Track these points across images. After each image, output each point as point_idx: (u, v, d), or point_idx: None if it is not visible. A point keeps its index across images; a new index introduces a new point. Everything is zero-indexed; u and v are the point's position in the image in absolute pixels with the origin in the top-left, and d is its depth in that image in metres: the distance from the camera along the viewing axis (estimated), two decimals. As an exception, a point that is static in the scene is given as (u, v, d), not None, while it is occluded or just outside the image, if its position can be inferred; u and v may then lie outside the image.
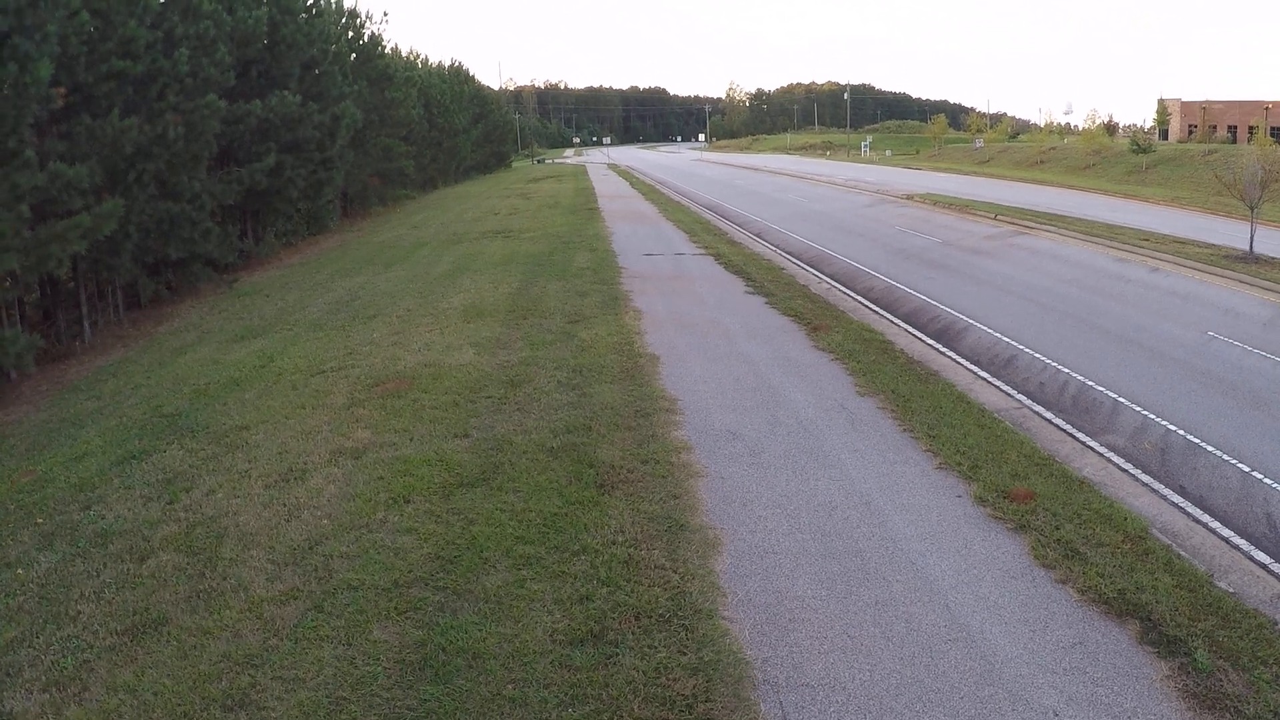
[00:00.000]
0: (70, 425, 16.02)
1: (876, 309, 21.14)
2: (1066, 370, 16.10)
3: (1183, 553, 9.26)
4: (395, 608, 7.92)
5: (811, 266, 27.20)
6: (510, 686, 6.85)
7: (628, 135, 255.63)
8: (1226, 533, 10.10)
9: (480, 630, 7.54)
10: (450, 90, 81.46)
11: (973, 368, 16.30)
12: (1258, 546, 9.80)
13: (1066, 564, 8.75)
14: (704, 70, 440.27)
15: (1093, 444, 12.66)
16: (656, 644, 7.32)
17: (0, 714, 7.04)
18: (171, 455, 12.40)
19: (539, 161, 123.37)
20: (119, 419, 15.21)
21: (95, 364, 22.55)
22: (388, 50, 58.28)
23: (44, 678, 7.38)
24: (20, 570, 9.45)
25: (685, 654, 7.21)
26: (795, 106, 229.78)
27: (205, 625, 7.87)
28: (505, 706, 6.64)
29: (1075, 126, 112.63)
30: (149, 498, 10.93)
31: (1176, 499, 10.96)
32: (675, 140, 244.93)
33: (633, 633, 7.47)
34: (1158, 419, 13.75)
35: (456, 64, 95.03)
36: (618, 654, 7.20)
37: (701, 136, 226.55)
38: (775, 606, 8.01)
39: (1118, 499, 10.51)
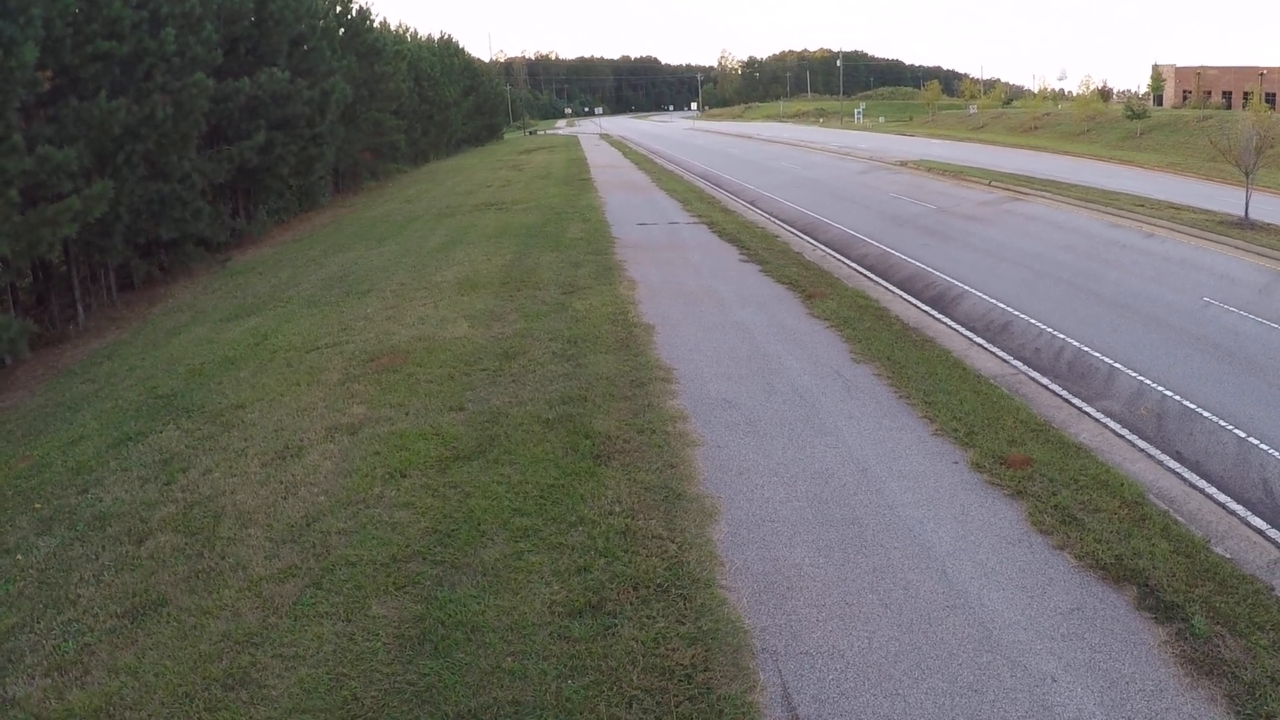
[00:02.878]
0: (66, 409, 15.99)
1: (871, 276, 21.11)
2: (1062, 336, 16.09)
3: (1179, 518, 9.28)
4: (393, 583, 7.93)
5: (806, 234, 27.13)
6: (509, 659, 6.87)
7: (619, 105, 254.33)
8: (1223, 498, 10.11)
9: (479, 603, 7.55)
10: (440, 63, 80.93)
11: (968, 334, 16.28)
12: (1254, 512, 9.81)
13: (1064, 530, 8.77)
14: (696, 38, 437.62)
15: (1089, 410, 12.67)
16: (655, 614, 7.34)
17: (3, 699, 7.05)
18: (167, 436, 12.39)
19: (531, 133, 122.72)
20: (114, 401, 15.19)
21: (90, 347, 22.50)
22: (376, 24, 57.78)
23: (45, 662, 7.40)
24: (20, 556, 9.46)
25: (684, 623, 7.23)
26: (788, 74, 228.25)
27: (205, 605, 7.88)
28: (505, 679, 6.66)
29: (1069, 92, 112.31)
30: (146, 479, 10.93)
31: (1173, 464, 10.97)
32: (667, 109, 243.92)
33: (631, 603, 7.49)
34: (1154, 384, 13.75)
35: (446, 36, 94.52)
36: (616, 625, 7.22)
37: (694, 105, 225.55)
38: (773, 575, 8.02)
39: (1114, 464, 10.53)
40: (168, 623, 7.69)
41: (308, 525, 9.12)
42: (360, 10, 53.73)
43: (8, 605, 8.50)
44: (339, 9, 51.11)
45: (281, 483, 10.19)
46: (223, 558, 8.68)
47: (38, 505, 10.84)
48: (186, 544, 9.07)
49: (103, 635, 7.65)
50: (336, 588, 7.93)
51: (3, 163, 18.95)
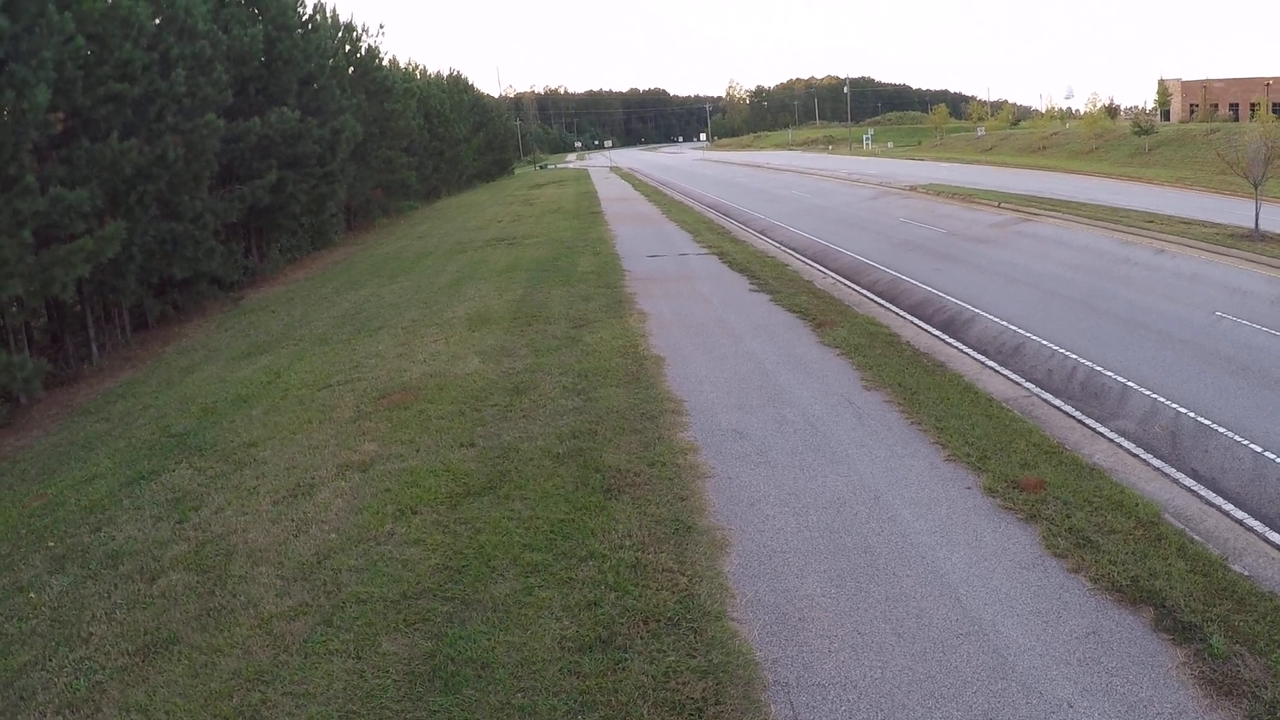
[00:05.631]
0: (80, 448, 16.06)
1: (882, 302, 21.08)
2: (1074, 356, 16.02)
3: (1196, 537, 9.18)
4: (404, 619, 7.91)
5: (816, 262, 27.14)
6: (520, 695, 6.82)
7: (629, 138, 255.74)
8: (1240, 515, 10.00)
9: (489, 639, 7.52)
10: (450, 99, 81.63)
11: (980, 357, 16.22)
12: (1271, 527, 9.70)
13: (1078, 553, 8.69)
14: (703, 70, 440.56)
15: (1102, 430, 12.58)
16: (665, 648, 7.29)
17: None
18: (180, 474, 12.43)
19: (541, 167, 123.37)
20: (128, 440, 15.25)
21: (104, 386, 22.61)
22: (385, 62, 58.36)
23: (57, 700, 7.40)
24: (33, 594, 9.48)
25: (694, 657, 7.18)
26: (796, 102, 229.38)
27: (216, 643, 7.87)
28: (515, 715, 6.62)
29: (1076, 111, 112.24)
30: (158, 517, 10.96)
31: (1189, 482, 10.87)
32: (677, 141, 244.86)
33: (641, 637, 7.44)
34: (1168, 402, 13.66)
35: (455, 73, 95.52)
36: (626, 659, 7.17)
37: (703, 136, 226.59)
38: (784, 606, 7.97)
39: (1129, 485, 10.43)
40: (179, 661, 7.68)
41: (319, 563, 9.11)
42: (369, 49, 54.24)
43: (20, 642, 8.50)
44: (348, 48, 51.59)
45: (293, 520, 10.20)
46: (234, 595, 8.68)
47: (51, 543, 10.87)
48: (198, 582, 9.08)
49: (114, 673, 7.65)
50: (347, 625, 7.91)
51: (16, 204, 19.12)
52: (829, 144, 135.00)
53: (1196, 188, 47.18)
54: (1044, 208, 36.80)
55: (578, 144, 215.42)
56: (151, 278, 28.02)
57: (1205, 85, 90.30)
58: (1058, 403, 13.76)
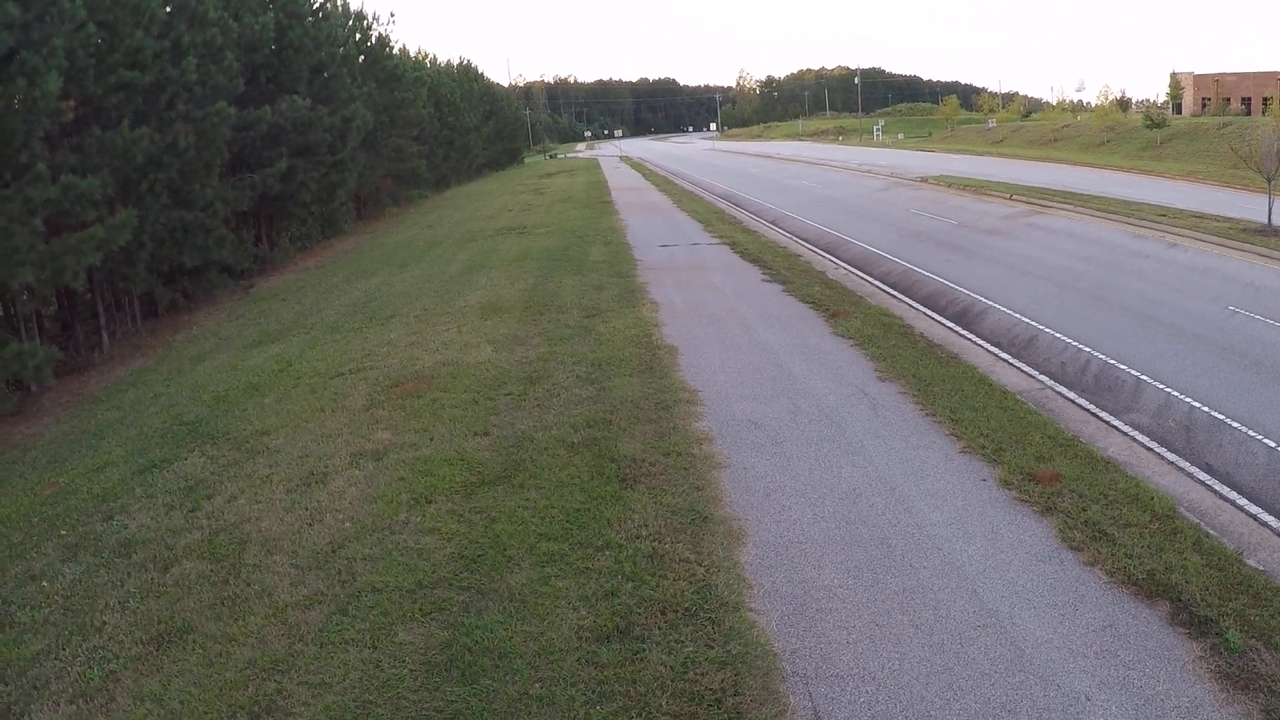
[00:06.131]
0: (91, 436, 16.08)
1: (894, 293, 21.02)
2: (1088, 349, 15.96)
3: (1211, 531, 9.16)
4: (420, 609, 7.91)
5: (828, 252, 27.07)
6: (537, 685, 6.82)
7: (639, 127, 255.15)
8: (1254, 509, 9.96)
9: (505, 629, 7.51)
10: (460, 88, 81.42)
11: (993, 349, 16.17)
12: (1287, 523, 9.67)
13: (1094, 546, 8.66)
14: (713, 59, 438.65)
15: (1117, 423, 12.54)
16: (683, 638, 7.28)
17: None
18: (192, 463, 12.43)
19: (551, 156, 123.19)
20: (139, 428, 15.26)
21: (114, 374, 22.63)
22: (396, 51, 58.16)
23: (71, 689, 7.40)
24: (45, 582, 9.49)
25: (712, 648, 7.16)
26: (806, 92, 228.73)
27: (230, 632, 7.87)
28: (532, 705, 6.61)
29: (1088, 103, 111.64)
30: (171, 506, 10.96)
31: (1203, 476, 10.83)
32: (687, 131, 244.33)
33: (659, 627, 7.43)
34: (1181, 396, 13.60)
35: (465, 62, 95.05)
36: (644, 649, 7.16)
37: (713, 126, 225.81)
38: (802, 597, 7.95)
39: (1144, 478, 10.40)
40: (193, 650, 7.69)
41: (333, 552, 9.11)
42: (380, 37, 54.09)
43: (33, 632, 8.51)
44: (358, 36, 51.47)
45: (307, 509, 10.20)
46: (248, 585, 8.68)
47: (63, 532, 10.88)
48: (212, 571, 9.07)
49: (128, 662, 7.65)
50: (362, 614, 7.91)
51: (28, 192, 19.11)
52: (839, 135, 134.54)
53: (1209, 182, 46.92)
54: (1056, 200, 36.66)
55: (587, 133, 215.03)
56: (162, 266, 28.04)
57: (1217, 79, 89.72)
58: (1072, 395, 13.72)
